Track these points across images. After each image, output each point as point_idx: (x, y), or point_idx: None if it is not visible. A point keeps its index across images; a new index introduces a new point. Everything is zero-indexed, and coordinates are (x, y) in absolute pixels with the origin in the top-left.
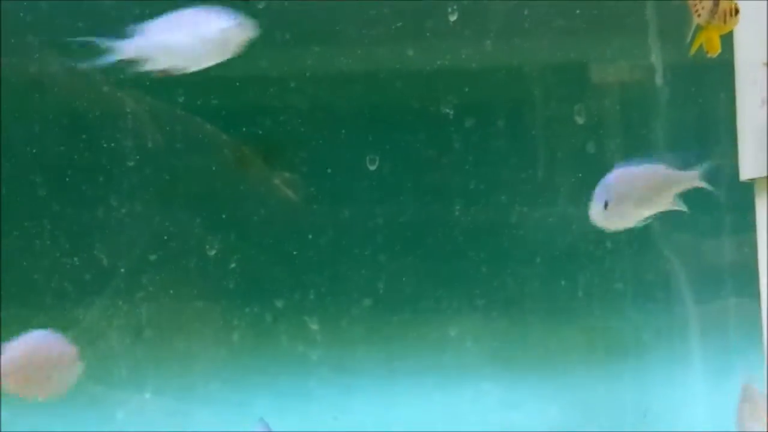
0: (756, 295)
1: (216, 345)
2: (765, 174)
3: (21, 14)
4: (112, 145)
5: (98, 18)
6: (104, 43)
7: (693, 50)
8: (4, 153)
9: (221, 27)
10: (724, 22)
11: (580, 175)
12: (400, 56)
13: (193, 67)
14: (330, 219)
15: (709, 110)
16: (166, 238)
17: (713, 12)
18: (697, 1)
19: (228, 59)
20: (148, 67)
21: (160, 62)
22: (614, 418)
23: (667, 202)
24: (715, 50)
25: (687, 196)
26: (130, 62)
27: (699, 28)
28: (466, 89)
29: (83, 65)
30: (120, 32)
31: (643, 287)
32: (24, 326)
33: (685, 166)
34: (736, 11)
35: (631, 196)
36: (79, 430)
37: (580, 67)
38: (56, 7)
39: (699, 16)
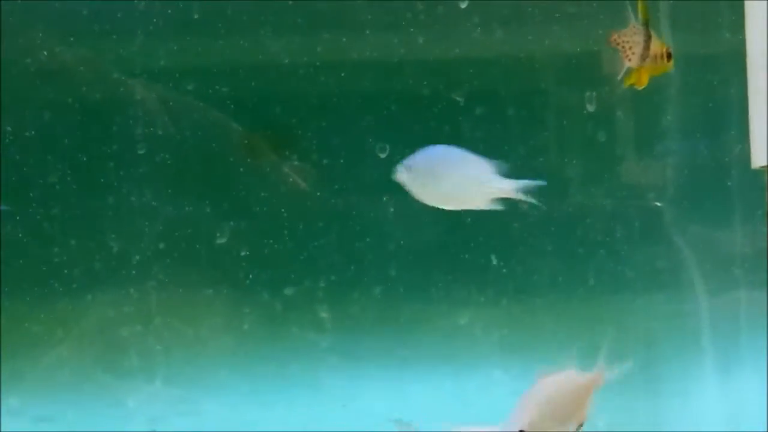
0: (766, 284)
1: (226, 333)
2: None
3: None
4: (122, 133)
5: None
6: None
7: (626, 84)
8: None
9: None
10: (656, 64)
11: (593, 165)
12: (410, 44)
13: None
14: (340, 207)
15: (721, 98)
16: (175, 226)
17: (643, 56)
18: (627, 47)
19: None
20: None
21: None
22: (623, 408)
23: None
24: (642, 85)
25: (698, 184)
26: None
27: (630, 69)
28: (478, 77)
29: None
30: None
31: (653, 277)
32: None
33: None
34: (669, 55)
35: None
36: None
37: (590, 55)
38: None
39: (629, 60)
